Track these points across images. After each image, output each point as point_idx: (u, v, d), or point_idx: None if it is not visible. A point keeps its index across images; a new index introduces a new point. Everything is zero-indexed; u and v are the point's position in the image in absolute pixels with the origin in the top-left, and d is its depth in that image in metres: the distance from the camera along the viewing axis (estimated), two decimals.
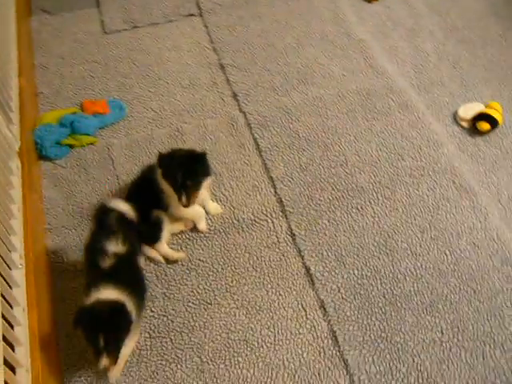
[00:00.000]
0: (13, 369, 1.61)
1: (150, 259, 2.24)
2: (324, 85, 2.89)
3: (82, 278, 2.10)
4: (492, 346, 2.05)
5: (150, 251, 2.22)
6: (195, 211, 2.25)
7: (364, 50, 3.07)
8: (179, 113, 2.78)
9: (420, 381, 1.97)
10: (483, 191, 2.51)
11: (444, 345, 2.05)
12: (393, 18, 3.35)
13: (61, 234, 2.34)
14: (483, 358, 2.02)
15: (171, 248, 2.27)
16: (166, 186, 2.12)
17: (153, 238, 2.19)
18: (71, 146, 2.61)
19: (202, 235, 2.30)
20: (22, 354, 1.73)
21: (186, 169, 2.07)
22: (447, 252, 2.28)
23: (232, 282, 2.19)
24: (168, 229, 2.23)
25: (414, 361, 2.01)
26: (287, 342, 2.05)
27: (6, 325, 1.63)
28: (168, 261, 2.24)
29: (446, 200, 2.44)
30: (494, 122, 2.67)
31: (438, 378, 1.98)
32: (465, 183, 2.49)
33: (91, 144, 2.63)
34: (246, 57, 3.03)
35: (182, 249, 2.28)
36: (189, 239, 2.30)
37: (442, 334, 2.07)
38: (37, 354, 1.81)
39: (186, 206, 2.09)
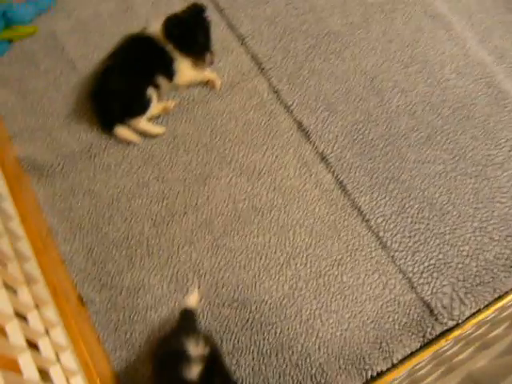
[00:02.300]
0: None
1: (123, 141, 2.08)
2: None
3: (61, 182, 1.93)
4: (493, 167, 2.04)
5: (123, 132, 2.03)
6: (209, 71, 2.16)
7: None
8: None
9: (434, 213, 1.96)
10: (456, 18, 2.42)
11: (449, 175, 2.03)
12: None
13: (27, 139, 2.10)
14: (487, 180, 2.02)
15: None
16: (176, 52, 2.04)
17: (138, 110, 2.00)
18: (10, 40, 2.29)
19: (183, 109, 2.12)
20: (32, 268, 1.59)
21: (203, 28, 2.03)
22: (434, 83, 2.21)
23: (224, 151, 2.06)
24: (155, 105, 2.04)
25: (424, 195, 1.99)
26: (296, 200, 1.97)
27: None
28: (145, 137, 2.08)
29: (422, 32, 2.34)
30: None
31: (449, 207, 1.98)
32: (437, 11, 2.39)
33: (32, 34, 2.31)
34: None
35: (162, 125, 2.10)
36: (169, 116, 2.12)
37: (445, 164, 2.05)
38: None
39: (212, 63, 2.09)
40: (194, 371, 1.38)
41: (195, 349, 1.43)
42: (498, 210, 1.98)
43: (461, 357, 1.15)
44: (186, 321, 1.66)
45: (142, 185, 1.98)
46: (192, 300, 1.72)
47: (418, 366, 1.59)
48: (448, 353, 1.41)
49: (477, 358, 1.00)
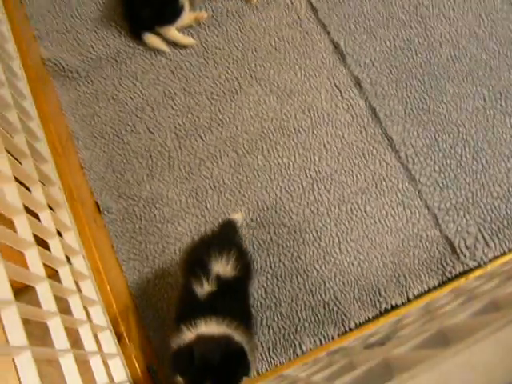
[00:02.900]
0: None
1: (155, 50, 2.00)
2: None
3: (86, 87, 1.88)
4: None
5: (152, 40, 1.95)
6: None
7: None
8: None
9: (467, 150, 1.88)
10: None
11: (488, 112, 1.93)
12: None
13: (53, 41, 2.04)
14: None
15: None
16: None
17: (170, 17, 1.92)
18: None
19: (215, 22, 2.03)
20: (49, 170, 1.56)
21: None
22: (483, 15, 2.08)
23: (256, 67, 1.98)
24: (187, 14, 1.95)
25: (459, 131, 1.90)
26: (325, 124, 1.90)
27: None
28: (174, 47, 2.00)
29: None
30: None
31: (484, 145, 1.89)
32: None
33: None
34: None
35: (193, 38, 2.02)
36: (201, 28, 2.03)
37: (485, 101, 1.95)
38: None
39: None
40: (205, 289, 1.34)
41: (220, 267, 1.38)
42: None
43: (483, 288, 1.09)
44: (227, 232, 1.63)
45: (167, 96, 1.92)
46: (237, 215, 1.69)
47: (435, 302, 1.55)
48: (469, 287, 1.36)
49: (500, 288, 0.95)
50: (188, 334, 1.27)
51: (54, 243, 1.29)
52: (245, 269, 1.45)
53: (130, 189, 1.82)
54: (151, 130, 1.88)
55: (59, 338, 1.04)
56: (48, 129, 1.75)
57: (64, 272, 1.28)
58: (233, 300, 1.38)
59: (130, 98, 1.93)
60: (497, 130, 1.90)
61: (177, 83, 1.94)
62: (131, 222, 1.79)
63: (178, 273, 1.68)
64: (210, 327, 1.27)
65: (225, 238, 1.56)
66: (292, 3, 2.07)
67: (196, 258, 1.45)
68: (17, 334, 0.85)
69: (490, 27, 2.05)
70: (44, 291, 1.07)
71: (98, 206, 1.80)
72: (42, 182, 1.42)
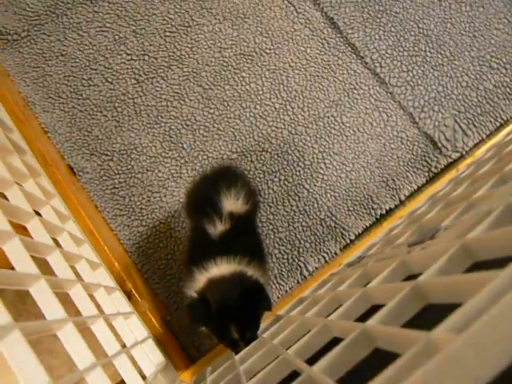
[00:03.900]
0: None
1: None
2: None
3: (29, 48, 1.77)
4: None
5: None
6: None
7: None
8: None
9: (430, 45, 1.87)
10: None
11: (443, 3, 1.92)
12: None
13: None
14: (483, 7, 1.92)
15: None
16: None
17: None
18: None
19: None
20: (18, 138, 1.47)
21: None
22: None
23: None
24: None
25: (418, 27, 1.88)
26: (286, 43, 1.85)
27: None
28: None
29: None
30: None
31: (446, 37, 1.88)
32: None
33: None
34: None
35: None
36: None
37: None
38: None
39: None
40: (219, 229, 1.28)
41: (231, 203, 1.32)
42: (495, 38, 1.89)
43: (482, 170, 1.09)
44: (227, 166, 1.58)
45: (118, 41, 1.83)
46: None
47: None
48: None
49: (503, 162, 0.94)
50: (201, 279, 1.22)
51: (46, 211, 1.23)
52: (254, 201, 1.39)
53: (100, 145, 1.75)
54: (109, 79, 1.80)
55: (85, 306, 0.99)
56: (2, 98, 1.65)
57: (64, 239, 1.22)
58: (246, 236, 1.33)
59: (80, 50, 1.84)
60: (455, 21, 1.89)
61: (125, 26, 1.85)
62: (110, 178, 1.73)
63: (183, 216, 1.63)
64: (222, 268, 1.21)
65: (227, 171, 1.51)
66: None
67: (204, 198, 1.36)
68: (53, 309, 0.81)
69: None
70: (56, 261, 1.02)
71: (71, 169, 1.72)
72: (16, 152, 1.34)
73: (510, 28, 1.91)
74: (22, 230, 0.99)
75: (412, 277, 0.63)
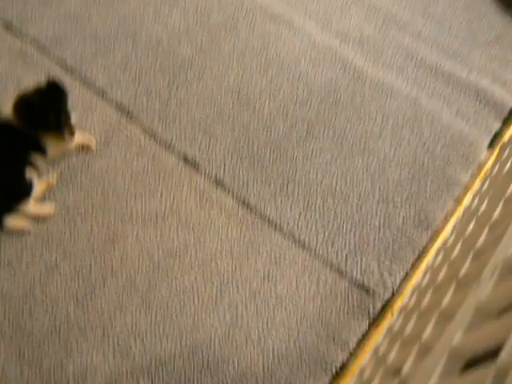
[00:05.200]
0: None
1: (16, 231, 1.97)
2: None
3: None
4: (373, 140, 2.16)
5: (15, 221, 1.94)
6: (79, 135, 2.07)
7: None
8: None
9: (336, 200, 2.08)
10: (294, 13, 2.53)
11: (338, 160, 2.15)
12: None
13: None
14: (373, 154, 2.13)
15: None
16: (36, 133, 1.91)
17: (22, 195, 1.91)
18: None
19: (67, 179, 2.06)
20: None
21: (55, 106, 1.90)
22: (296, 80, 2.32)
23: (121, 207, 2.03)
24: (38, 185, 1.97)
25: (322, 186, 2.11)
26: (207, 232, 2.00)
27: None
28: (37, 220, 1.99)
29: (268, 36, 2.44)
30: None
31: (348, 189, 2.07)
32: (275, 12, 2.50)
33: None
34: None
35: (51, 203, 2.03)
36: (55, 190, 2.04)
37: (331, 151, 2.18)
38: None
39: (73, 135, 1.95)
40: None
41: None
42: (391, 178, 2.09)
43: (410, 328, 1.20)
44: None
45: (51, 269, 1.90)
46: None
47: (378, 348, 1.65)
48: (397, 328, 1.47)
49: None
50: None
51: None
52: None
53: (53, 374, 1.76)
54: (49, 308, 1.85)
55: None
56: None
57: None
58: None
59: (15, 286, 1.89)
60: (352, 172, 2.10)
61: (54, 253, 1.93)
62: None
63: None
64: None
65: None
66: (129, 135, 2.15)
67: None
68: None
69: (306, 88, 2.28)
70: None
71: None
72: None
73: (400, 167, 2.12)
74: None
75: None
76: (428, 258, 1.92)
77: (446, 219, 2.06)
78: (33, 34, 2.37)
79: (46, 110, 1.89)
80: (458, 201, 2.09)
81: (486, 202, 1.55)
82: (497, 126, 2.31)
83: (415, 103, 2.28)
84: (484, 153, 2.20)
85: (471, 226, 1.49)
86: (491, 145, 2.25)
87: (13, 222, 1.92)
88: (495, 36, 2.58)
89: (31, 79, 2.21)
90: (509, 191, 1.31)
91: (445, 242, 1.82)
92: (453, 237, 1.73)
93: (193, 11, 2.47)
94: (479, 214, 1.52)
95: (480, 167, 2.18)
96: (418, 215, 2.04)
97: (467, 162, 2.17)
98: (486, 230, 1.24)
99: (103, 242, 1.94)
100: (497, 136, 2.29)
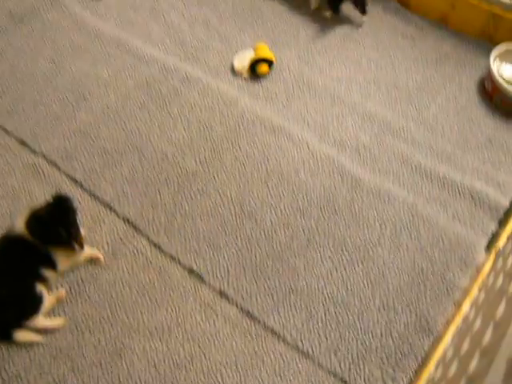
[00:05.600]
0: None
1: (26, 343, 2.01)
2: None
3: None
4: (373, 247, 2.24)
5: (23, 335, 2.00)
6: (88, 248, 2.17)
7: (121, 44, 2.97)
8: None
9: (338, 308, 2.11)
10: (289, 123, 2.66)
11: (338, 269, 2.21)
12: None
13: None
14: (372, 261, 2.20)
15: None
16: (46, 247, 2.01)
17: (32, 309, 1.97)
18: None
19: (75, 292, 2.12)
20: None
21: (65, 221, 2.00)
22: (296, 190, 2.41)
23: (128, 319, 2.08)
24: (47, 299, 2.03)
25: (324, 295, 2.14)
26: (212, 343, 2.03)
27: None
28: (46, 332, 2.04)
29: (268, 147, 2.55)
30: (269, 62, 2.81)
31: (350, 297, 2.14)
32: (274, 124, 2.62)
33: None
34: None
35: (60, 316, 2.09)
36: (64, 304, 2.10)
37: (332, 260, 2.23)
38: None
39: (82, 248, 2.08)
40: None
41: None
42: (391, 284, 2.14)
43: None
44: None
45: (58, 382, 1.94)
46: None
47: None
48: None
49: None
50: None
51: None
52: None
53: None
54: None
55: None
56: None
57: None
58: None
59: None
60: (353, 280, 2.16)
61: (62, 366, 1.95)
62: None
63: None
64: None
65: None
66: (136, 248, 2.23)
67: None
68: None
69: (306, 198, 2.37)
70: None
71: None
72: None
73: (399, 273, 2.17)
74: None
75: None
76: (430, 368, 1.94)
77: (448, 323, 2.08)
78: (44, 150, 2.50)
79: (56, 226, 1.98)
80: (458, 305, 2.13)
81: (479, 319, 1.59)
82: (493, 227, 2.36)
83: (412, 208, 2.35)
84: (482, 255, 2.25)
85: (466, 344, 1.53)
86: (489, 246, 2.30)
87: (22, 335, 1.98)
88: (486, 138, 2.69)
89: (42, 193, 2.32)
90: (499, 313, 1.35)
91: (444, 356, 1.85)
92: (451, 352, 1.76)
93: (196, 124, 2.60)
94: (473, 331, 1.56)
95: (478, 270, 2.22)
96: (420, 321, 2.08)
97: (465, 265, 2.22)
98: (477, 354, 1.28)
99: (111, 354, 1.98)
100: (494, 237, 2.35)
